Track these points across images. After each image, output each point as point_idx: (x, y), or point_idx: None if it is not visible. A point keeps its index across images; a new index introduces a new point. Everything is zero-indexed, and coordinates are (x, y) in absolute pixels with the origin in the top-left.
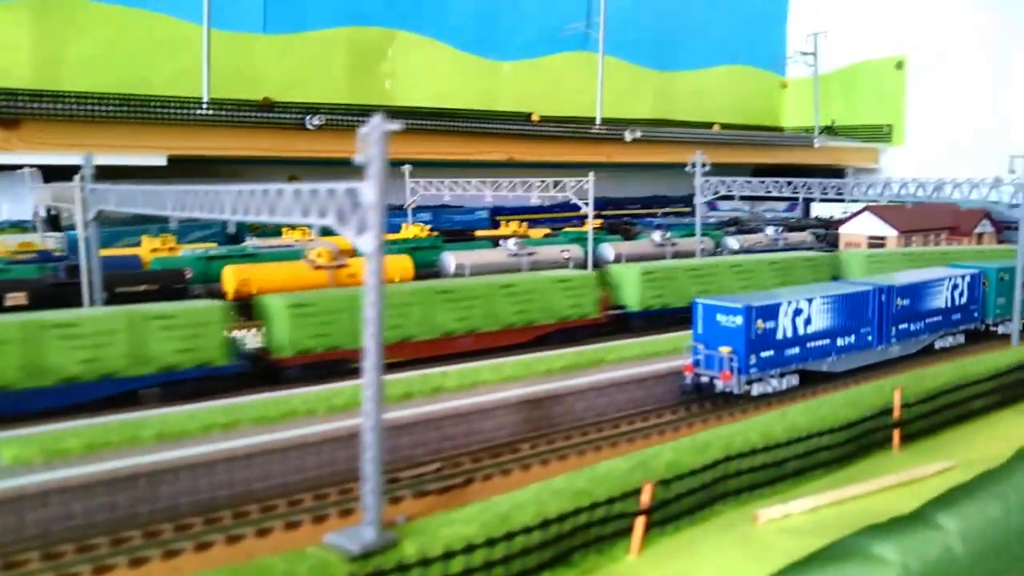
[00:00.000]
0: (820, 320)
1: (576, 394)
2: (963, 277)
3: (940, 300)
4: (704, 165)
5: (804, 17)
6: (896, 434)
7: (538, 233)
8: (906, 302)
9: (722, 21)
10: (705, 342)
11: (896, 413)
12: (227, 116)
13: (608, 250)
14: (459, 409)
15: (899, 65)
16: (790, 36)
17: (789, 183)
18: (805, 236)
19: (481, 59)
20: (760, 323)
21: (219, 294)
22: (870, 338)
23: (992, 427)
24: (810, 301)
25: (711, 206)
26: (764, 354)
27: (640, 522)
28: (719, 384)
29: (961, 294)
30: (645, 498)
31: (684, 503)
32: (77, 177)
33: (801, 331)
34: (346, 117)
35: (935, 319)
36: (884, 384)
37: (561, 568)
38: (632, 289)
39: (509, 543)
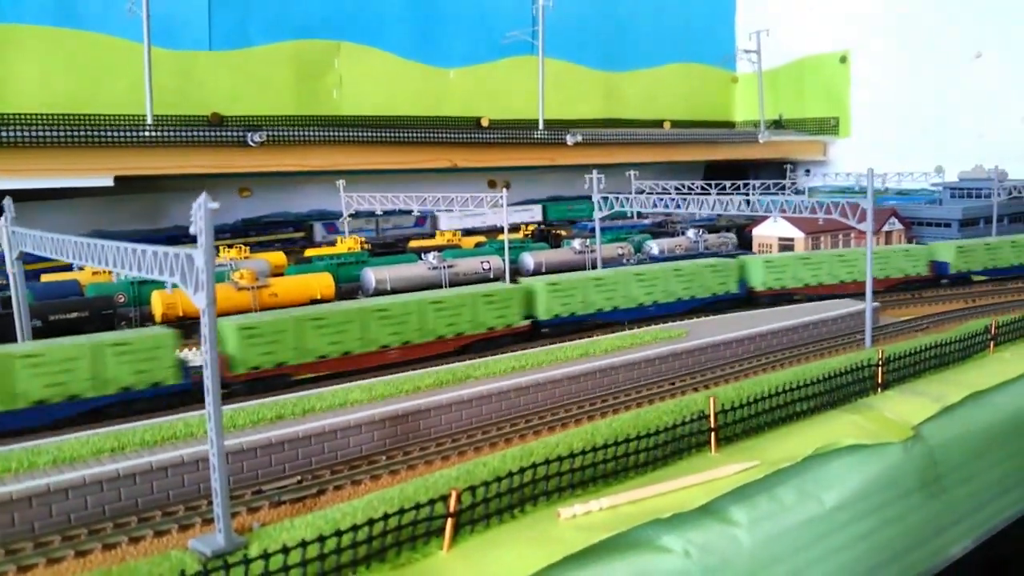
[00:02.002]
0: None
1: (438, 408)
2: None
3: None
4: (601, 180)
5: (751, 12)
6: (713, 437)
7: (470, 242)
8: None
9: (670, 19)
10: None
11: (712, 418)
12: (171, 135)
13: (528, 259)
14: (324, 428)
15: (843, 59)
16: (738, 31)
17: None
18: (722, 238)
19: (426, 66)
20: None
21: (149, 317)
22: None
23: (812, 428)
24: None
25: None
26: None
27: (449, 523)
28: None
29: None
30: (452, 502)
31: (492, 505)
32: (1, 219)
33: None
34: (290, 131)
35: None
36: (713, 392)
37: (376, 563)
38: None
39: (322, 544)
